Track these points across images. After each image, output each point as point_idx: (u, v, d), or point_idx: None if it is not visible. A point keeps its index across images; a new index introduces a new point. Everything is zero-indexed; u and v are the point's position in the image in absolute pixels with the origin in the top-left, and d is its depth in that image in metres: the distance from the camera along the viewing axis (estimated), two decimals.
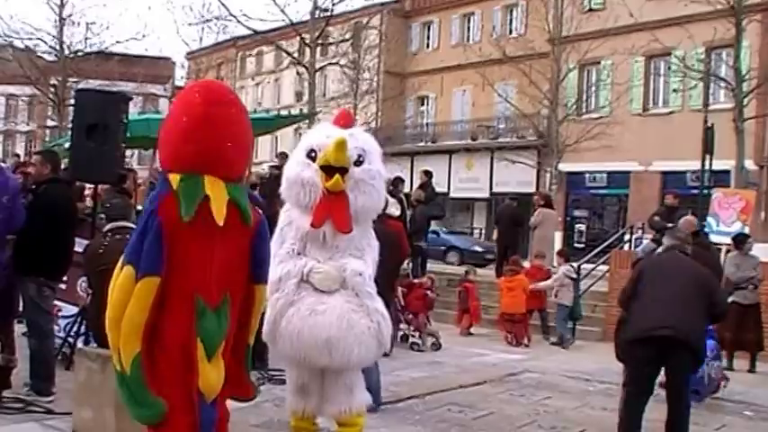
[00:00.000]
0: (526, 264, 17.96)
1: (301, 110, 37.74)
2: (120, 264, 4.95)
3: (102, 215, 9.23)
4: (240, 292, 5.17)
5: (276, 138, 48.84)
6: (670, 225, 16.14)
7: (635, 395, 7.71)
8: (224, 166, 5.06)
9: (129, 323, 4.84)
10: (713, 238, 16.49)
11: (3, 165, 10.06)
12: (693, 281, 7.75)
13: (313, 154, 6.71)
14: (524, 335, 15.75)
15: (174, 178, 4.95)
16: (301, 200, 6.72)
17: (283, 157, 21.93)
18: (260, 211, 5.32)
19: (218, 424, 5.32)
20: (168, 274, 4.84)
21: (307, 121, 35.42)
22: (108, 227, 8.35)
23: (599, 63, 34.94)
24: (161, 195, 4.96)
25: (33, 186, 8.71)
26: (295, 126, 41.29)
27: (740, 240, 14.21)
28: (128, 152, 14.71)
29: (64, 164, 10.37)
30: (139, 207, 10.77)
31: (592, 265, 18.66)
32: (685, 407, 7.68)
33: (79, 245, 9.07)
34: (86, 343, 8.67)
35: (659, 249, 9.46)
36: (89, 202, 11.20)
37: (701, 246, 11.93)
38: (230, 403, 7.93)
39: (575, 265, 16.60)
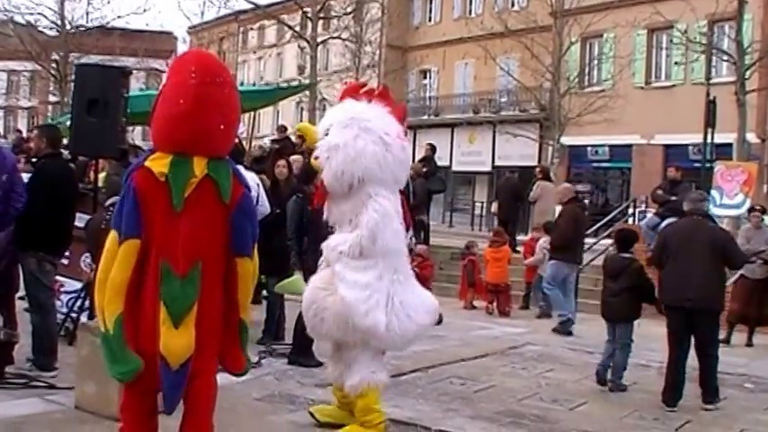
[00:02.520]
0: (525, 237, 17.97)
1: (300, 81, 37.56)
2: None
3: (104, 191, 9.25)
4: (218, 264, 5.27)
5: (278, 111, 48.81)
6: (673, 198, 16.20)
7: (674, 349, 9.01)
8: (213, 147, 5.28)
9: (111, 284, 5.07)
10: (716, 211, 16.53)
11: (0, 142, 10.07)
12: (709, 244, 8.84)
13: None
14: (507, 305, 15.92)
15: (163, 160, 5.12)
16: None
17: (283, 130, 21.95)
18: (246, 185, 5.44)
19: (199, 394, 5.38)
20: (144, 239, 5.07)
21: (308, 95, 35.46)
22: (109, 201, 8.38)
23: (601, 36, 34.75)
24: (136, 168, 5.19)
25: (34, 160, 8.71)
26: (296, 100, 41.36)
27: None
28: (130, 128, 14.72)
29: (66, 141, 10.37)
30: None
31: (594, 239, 18.65)
32: (712, 359, 8.98)
33: (81, 220, 9.08)
34: (90, 318, 8.69)
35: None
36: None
37: (581, 209, 14.63)
38: (232, 376, 8.01)
39: None
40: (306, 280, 9.11)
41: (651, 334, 13.60)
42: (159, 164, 5.14)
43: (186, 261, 5.14)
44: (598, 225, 20.05)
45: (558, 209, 15.15)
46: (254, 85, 41.90)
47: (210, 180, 5.20)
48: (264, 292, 11.31)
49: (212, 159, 5.25)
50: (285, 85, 29.37)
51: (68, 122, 11.00)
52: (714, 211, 16.50)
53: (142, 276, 5.15)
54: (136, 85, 35.04)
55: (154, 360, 5.21)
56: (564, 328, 13.80)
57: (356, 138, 6.64)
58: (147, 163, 5.16)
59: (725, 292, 9.35)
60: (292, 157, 13.08)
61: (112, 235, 5.12)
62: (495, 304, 15.82)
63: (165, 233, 5.13)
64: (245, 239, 5.39)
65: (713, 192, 16.83)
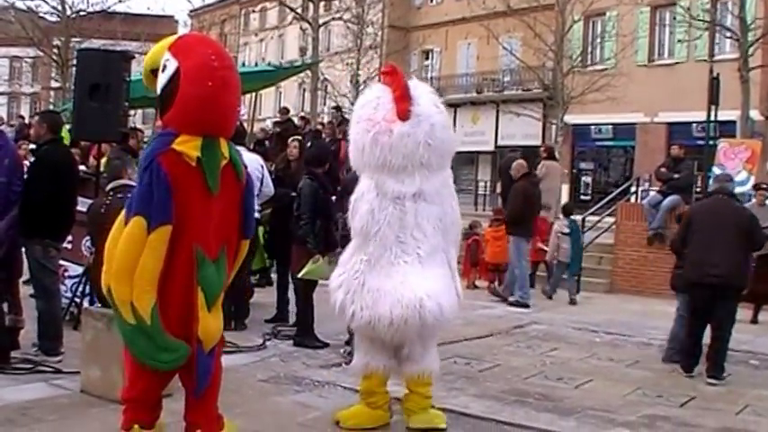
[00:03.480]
0: None
1: (303, 60, 37.46)
2: (122, 217, 5.06)
3: (105, 174, 9.26)
4: (234, 246, 5.33)
5: (280, 93, 48.76)
6: (676, 176, 16.19)
7: (694, 322, 9.38)
8: (231, 129, 5.32)
9: (144, 273, 4.97)
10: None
11: (2, 128, 10.08)
12: (734, 223, 9.19)
13: None
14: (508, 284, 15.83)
15: (193, 143, 5.09)
16: None
17: (285, 112, 21.93)
18: (246, 166, 5.49)
19: (214, 374, 5.43)
20: (174, 225, 5.00)
21: (309, 76, 35.41)
22: (110, 186, 8.39)
23: (604, 14, 34.66)
24: (162, 152, 5.07)
25: (34, 147, 8.72)
26: (299, 81, 41.28)
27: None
28: (131, 112, 14.71)
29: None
30: None
31: (597, 218, 18.66)
32: (726, 336, 9.25)
33: (83, 204, 9.09)
34: (92, 303, 8.72)
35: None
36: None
37: (533, 185, 15.08)
38: (238, 358, 8.08)
39: (577, 218, 16.55)
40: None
41: (653, 312, 13.70)
42: (190, 146, 5.08)
43: (217, 245, 5.19)
44: (601, 203, 20.03)
45: (566, 188, 15.17)
46: (256, 65, 41.78)
47: (231, 163, 5.26)
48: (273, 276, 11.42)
49: (225, 140, 5.32)
50: (288, 65, 29.26)
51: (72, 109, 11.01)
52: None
53: (171, 263, 5.09)
54: (138, 69, 34.87)
55: None
56: (523, 302, 14.24)
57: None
58: (175, 146, 5.12)
59: (748, 271, 9.53)
60: (291, 139, 13.10)
61: (138, 221, 4.97)
62: (496, 283, 15.81)
63: (199, 217, 5.10)
64: (249, 219, 5.49)
65: (715, 169, 16.79)
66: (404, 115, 6.52)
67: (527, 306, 14.01)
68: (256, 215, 10.46)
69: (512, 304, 14.16)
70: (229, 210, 5.28)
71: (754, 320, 13.63)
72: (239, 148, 10.71)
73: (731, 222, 9.24)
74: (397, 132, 6.51)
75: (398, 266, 6.51)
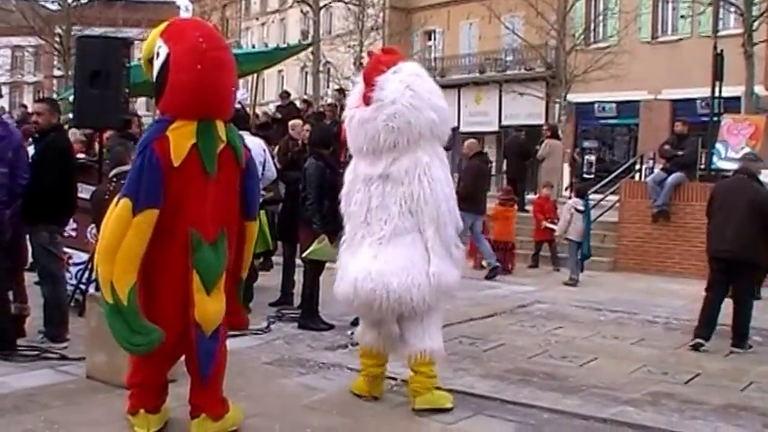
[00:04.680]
0: (533, 196, 17.98)
1: (300, 41, 37.37)
2: (116, 199, 5.11)
3: (108, 161, 9.30)
4: (235, 228, 5.36)
5: (282, 77, 48.69)
6: (680, 153, 16.15)
7: (710, 294, 9.85)
8: (228, 110, 5.32)
9: (127, 254, 5.04)
10: (722, 164, 16.47)
11: (5, 118, 10.08)
12: (748, 202, 9.61)
13: None
14: (512, 263, 16.06)
15: (188, 128, 5.13)
16: None
17: (287, 96, 21.89)
18: (247, 147, 5.52)
19: (218, 358, 5.44)
20: (164, 209, 5.01)
21: (311, 59, 35.31)
22: (113, 172, 8.42)
23: None
24: (157, 138, 5.12)
25: (37, 135, 8.72)
26: (300, 64, 41.16)
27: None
28: (133, 99, 14.71)
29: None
30: None
31: (601, 196, 18.64)
32: (745, 307, 9.79)
33: (86, 191, 9.12)
34: (97, 289, 8.74)
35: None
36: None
37: (484, 162, 16.17)
38: (242, 341, 8.12)
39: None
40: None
41: (657, 290, 13.72)
42: (185, 132, 5.15)
43: (215, 227, 5.22)
44: (605, 181, 20.01)
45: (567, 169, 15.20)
46: (253, 47, 41.66)
47: (230, 146, 5.28)
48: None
49: (227, 124, 5.33)
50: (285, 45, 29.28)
51: (72, 96, 11.03)
52: (719, 164, 16.49)
53: (165, 247, 5.16)
54: (139, 56, 34.85)
55: (178, 330, 5.27)
56: (492, 275, 14.76)
57: None
58: (168, 133, 5.15)
59: (763, 248, 9.70)
60: (292, 122, 13.11)
61: (125, 203, 5.06)
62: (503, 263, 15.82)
63: (195, 201, 5.16)
64: (251, 202, 5.50)
65: (718, 145, 16.76)
66: (366, 101, 6.67)
67: (496, 269, 14.84)
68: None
69: (489, 278, 14.70)
70: (228, 192, 5.31)
71: (758, 296, 13.57)
72: (242, 132, 10.79)
73: (745, 201, 9.62)
74: (358, 117, 6.73)
75: (362, 247, 6.70)
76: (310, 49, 33.07)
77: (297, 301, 10.54)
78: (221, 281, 5.30)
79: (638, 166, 22.94)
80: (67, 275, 9.39)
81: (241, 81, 22.99)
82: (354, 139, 6.85)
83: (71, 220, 9.13)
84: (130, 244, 5.04)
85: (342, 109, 19.14)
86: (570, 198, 16.23)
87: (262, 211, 10.81)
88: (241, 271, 5.66)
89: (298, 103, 22.59)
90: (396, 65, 6.78)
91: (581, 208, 15.17)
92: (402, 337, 6.80)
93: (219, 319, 5.30)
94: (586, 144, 37.92)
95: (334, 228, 9.55)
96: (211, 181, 5.24)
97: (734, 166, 15.43)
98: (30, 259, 8.71)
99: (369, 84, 6.68)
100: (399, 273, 6.48)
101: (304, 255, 9.65)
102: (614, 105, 36.16)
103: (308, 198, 9.63)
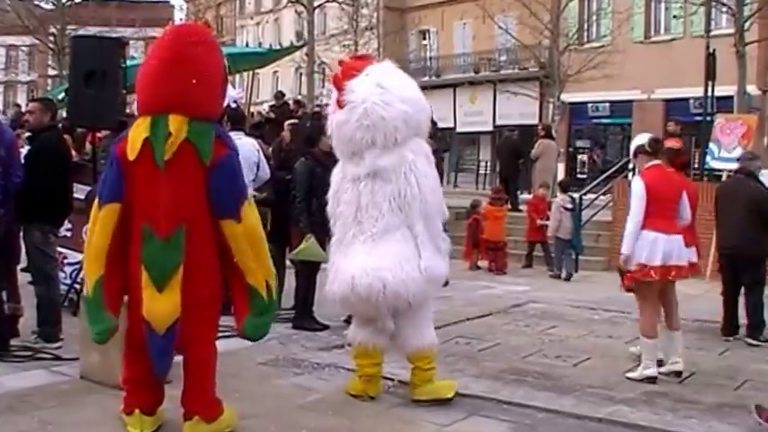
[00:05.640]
0: (528, 196, 18.00)
1: (292, 42, 37.41)
2: None
3: (103, 161, 9.26)
4: (206, 228, 5.28)
5: (277, 77, 48.64)
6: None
7: (724, 289, 10.35)
8: (189, 103, 5.31)
9: (92, 248, 5.25)
10: (715, 164, 16.51)
11: None
12: (746, 201, 10.04)
13: None
14: (504, 263, 16.03)
15: (143, 124, 5.26)
16: None
17: (281, 96, 21.88)
18: (231, 147, 5.44)
19: (195, 361, 5.43)
20: (126, 205, 5.23)
21: (305, 60, 35.29)
22: None
23: None
24: (122, 137, 5.42)
25: (30, 134, 8.71)
26: (295, 65, 41.15)
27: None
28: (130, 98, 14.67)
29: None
30: None
31: (594, 195, 18.64)
32: (755, 298, 10.01)
33: (81, 192, 9.11)
34: None
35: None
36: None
37: (439, 160, 15.13)
38: (236, 342, 8.09)
39: (575, 195, 16.54)
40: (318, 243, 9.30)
41: None
42: (140, 127, 5.29)
43: (168, 224, 5.19)
44: (598, 180, 20.02)
45: (562, 167, 15.22)
46: (246, 45, 41.68)
47: (190, 143, 5.25)
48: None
49: (194, 121, 5.29)
50: (278, 47, 29.30)
51: (61, 95, 10.99)
52: (712, 164, 16.52)
53: (128, 241, 5.28)
54: (134, 55, 35.01)
55: (136, 327, 5.33)
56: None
57: None
58: (129, 132, 5.37)
59: (763, 244, 10.07)
60: (288, 123, 13.07)
61: (96, 201, 5.30)
62: (491, 262, 15.99)
63: (147, 196, 5.22)
64: (222, 200, 5.36)
65: (711, 145, 16.77)
66: (340, 105, 6.87)
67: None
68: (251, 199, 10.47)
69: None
70: (185, 189, 5.26)
71: None
72: (237, 132, 10.77)
73: (743, 200, 10.08)
74: (335, 121, 6.96)
75: (354, 246, 6.79)
76: (305, 48, 33.07)
77: (288, 302, 10.54)
78: (176, 279, 5.20)
79: (631, 166, 22.93)
80: (62, 275, 9.38)
81: (237, 80, 23.04)
82: (337, 144, 7.06)
83: (66, 221, 9.10)
84: (95, 238, 5.23)
85: None
86: (556, 196, 16.31)
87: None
88: (242, 277, 5.47)
89: (291, 104, 22.59)
90: (367, 68, 6.99)
91: (569, 206, 15.23)
92: (396, 332, 6.88)
93: (171, 318, 5.20)
94: (579, 144, 37.96)
95: (323, 227, 9.60)
96: (164, 175, 5.23)
97: (727, 165, 15.53)
98: (24, 259, 8.70)
99: (340, 88, 6.90)
100: (394, 267, 6.58)
101: (291, 255, 9.68)
102: (607, 105, 36.17)
103: (296, 197, 9.66)
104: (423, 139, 6.98)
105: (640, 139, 8.66)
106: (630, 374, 8.09)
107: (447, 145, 21.34)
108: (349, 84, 6.83)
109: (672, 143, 10.09)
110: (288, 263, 10.64)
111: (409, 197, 6.65)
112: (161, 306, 5.16)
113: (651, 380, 7.91)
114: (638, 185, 8.15)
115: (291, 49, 26.74)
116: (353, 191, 6.84)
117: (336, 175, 7.06)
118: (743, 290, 10.13)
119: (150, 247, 5.19)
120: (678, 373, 8.17)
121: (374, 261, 6.61)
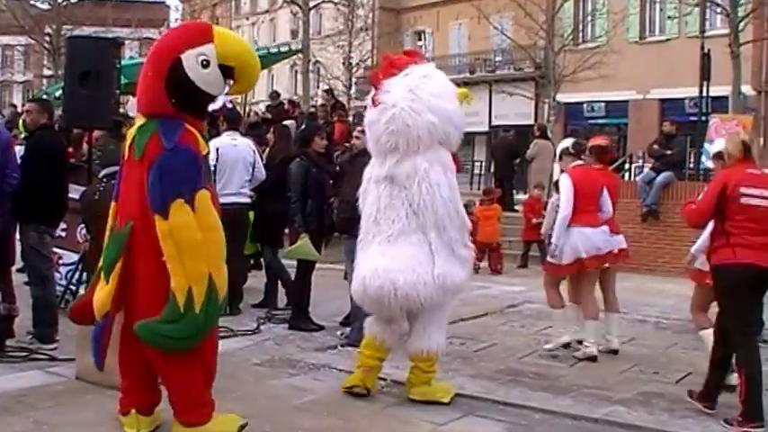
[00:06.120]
0: (523, 196, 18.00)
1: (289, 46, 37.43)
2: None
3: (98, 162, 9.26)
4: (150, 222, 5.26)
5: (272, 76, 48.63)
6: (669, 152, 16.19)
7: None
8: (139, 103, 5.66)
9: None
10: (710, 164, 16.48)
11: None
12: None
13: None
14: (499, 263, 16.08)
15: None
16: None
17: (276, 96, 21.88)
18: (166, 143, 5.31)
19: (148, 359, 5.46)
20: None
21: (301, 60, 35.28)
22: (103, 173, 8.39)
23: None
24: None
25: (27, 134, 8.71)
26: (290, 63, 41.15)
27: None
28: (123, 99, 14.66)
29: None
30: None
31: None
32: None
33: (76, 192, 9.09)
34: None
35: None
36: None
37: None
38: (232, 342, 8.09)
39: None
40: (313, 243, 9.33)
41: (648, 289, 13.73)
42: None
43: (122, 218, 5.45)
44: None
45: (557, 168, 15.18)
46: None
47: (132, 139, 5.43)
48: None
49: (147, 117, 5.51)
50: (275, 50, 29.26)
51: (57, 93, 10.98)
52: (708, 164, 16.49)
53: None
54: (130, 55, 35.00)
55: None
56: None
57: None
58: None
59: None
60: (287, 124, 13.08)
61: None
62: (487, 263, 15.94)
63: (120, 191, 5.62)
64: (151, 196, 5.26)
65: (706, 145, 16.78)
66: (374, 103, 6.85)
67: None
68: (247, 200, 10.45)
69: None
70: (133, 185, 5.42)
71: None
72: (232, 131, 10.75)
73: None
74: (367, 119, 7.02)
75: (372, 246, 6.82)
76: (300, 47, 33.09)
77: (281, 302, 10.56)
78: (115, 271, 5.32)
79: (627, 166, 22.98)
80: (57, 276, 9.37)
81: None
82: (368, 141, 7.11)
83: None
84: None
85: (332, 109, 19.21)
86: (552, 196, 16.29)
87: (251, 213, 10.79)
88: (171, 277, 5.19)
89: (286, 104, 22.59)
90: (408, 67, 6.91)
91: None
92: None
93: (103, 307, 5.38)
94: None
95: (319, 227, 9.60)
96: (122, 172, 5.63)
97: None
98: (19, 260, 8.68)
99: (376, 86, 6.89)
100: (405, 270, 6.59)
101: (283, 253, 9.70)
102: (603, 105, 36.27)
103: (291, 197, 9.67)
104: (446, 150, 6.90)
105: (565, 142, 9.62)
106: (547, 346, 9.14)
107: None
108: (386, 83, 6.81)
109: (599, 141, 9.98)
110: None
111: (422, 206, 6.66)
112: (99, 295, 5.40)
113: (593, 359, 8.70)
114: (565, 182, 8.87)
115: (289, 53, 26.73)
116: (375, 192, 6.88)
117: (366, 173, 7.09)
118: None
119: (108, 240, 5.52)
120: (615, 351, 9.10)
121: (386, 263, 6.63)
